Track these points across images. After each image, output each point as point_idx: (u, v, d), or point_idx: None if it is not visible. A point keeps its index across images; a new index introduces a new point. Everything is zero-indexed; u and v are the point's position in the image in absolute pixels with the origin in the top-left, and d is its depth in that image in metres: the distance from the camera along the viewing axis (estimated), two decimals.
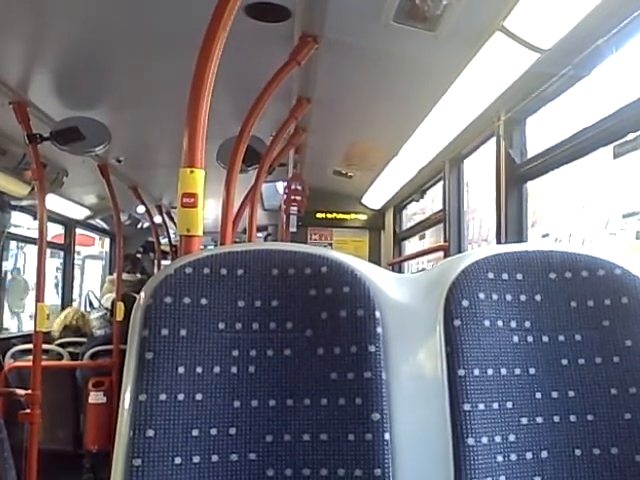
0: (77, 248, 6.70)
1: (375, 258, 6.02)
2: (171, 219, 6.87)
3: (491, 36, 2.16)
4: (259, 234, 7.13)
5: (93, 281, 7.83)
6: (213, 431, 1.00)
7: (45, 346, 3.65)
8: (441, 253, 4.21)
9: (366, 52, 2.49)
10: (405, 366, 1.06)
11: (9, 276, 6.16)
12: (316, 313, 1.07)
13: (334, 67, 2.69)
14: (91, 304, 6.32)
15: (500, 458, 1.01)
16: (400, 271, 5.63)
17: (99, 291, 6.57)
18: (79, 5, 2.22)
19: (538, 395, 1.07)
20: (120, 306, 4.36)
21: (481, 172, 3.86)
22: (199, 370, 1.01)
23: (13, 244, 6.07)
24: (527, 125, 2.93)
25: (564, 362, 1.09)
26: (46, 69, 2.93)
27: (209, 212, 4.79)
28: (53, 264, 6.62)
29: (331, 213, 6.22)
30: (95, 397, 4.10)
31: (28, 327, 5.66)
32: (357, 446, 0.99)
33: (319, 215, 6.18)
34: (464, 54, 2.35)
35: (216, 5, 1.45)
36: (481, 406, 1.02)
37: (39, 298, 3.22)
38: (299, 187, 5.02)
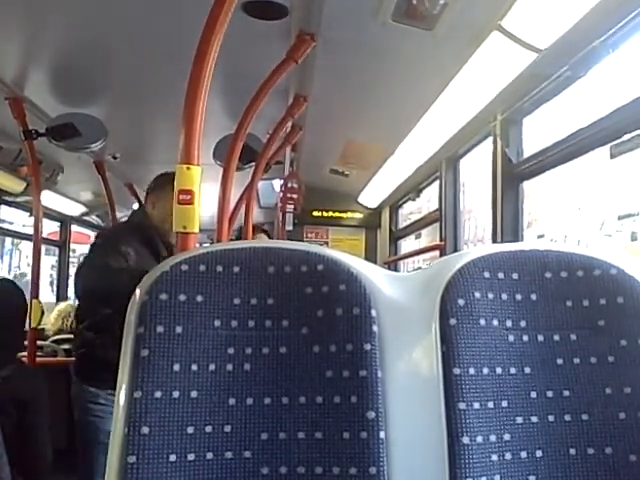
0: (73, 246, 6.68)
1: (371, 257, 6.00)
2: None
3: (488, 35, 2.16)
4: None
5: None
6: (208, 429, 0.99)
7: (39, 342, 3.64)
8: (437, 252, 4.22)
9: (363, 50, 2.49)
10: (401, 364, 1.06)
11: None
12: (312, 311, 1.06)
13: (331, 65, 2.68)
14: None
15: (495, 457, 1.01)
16: (396, 270, 5.63)
17: None
18: (76, 1, 2.22)
19: (533, 394, 1.07)
20: None
21: (477, 172, 3.86)
22: (194, 367, 1.01)
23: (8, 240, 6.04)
24: (524, 125, 2.94)
25: (559, 361, 1.09)
26: (42, 65, 2.92)
27: (205, 209, 4.78)
28: (48, 262, 6.59)
29: (327, 211, 6.21)
30: None
31: None
32: (352, 444, 0.99)
33: (315, 213, 6.16)
34: (461, 53, 2.35)
35: (213, 2, 1.44)
36: (476, 405, 1.02)
37: (34, 295, 3.21)
38: (295, 185, 5.01)
